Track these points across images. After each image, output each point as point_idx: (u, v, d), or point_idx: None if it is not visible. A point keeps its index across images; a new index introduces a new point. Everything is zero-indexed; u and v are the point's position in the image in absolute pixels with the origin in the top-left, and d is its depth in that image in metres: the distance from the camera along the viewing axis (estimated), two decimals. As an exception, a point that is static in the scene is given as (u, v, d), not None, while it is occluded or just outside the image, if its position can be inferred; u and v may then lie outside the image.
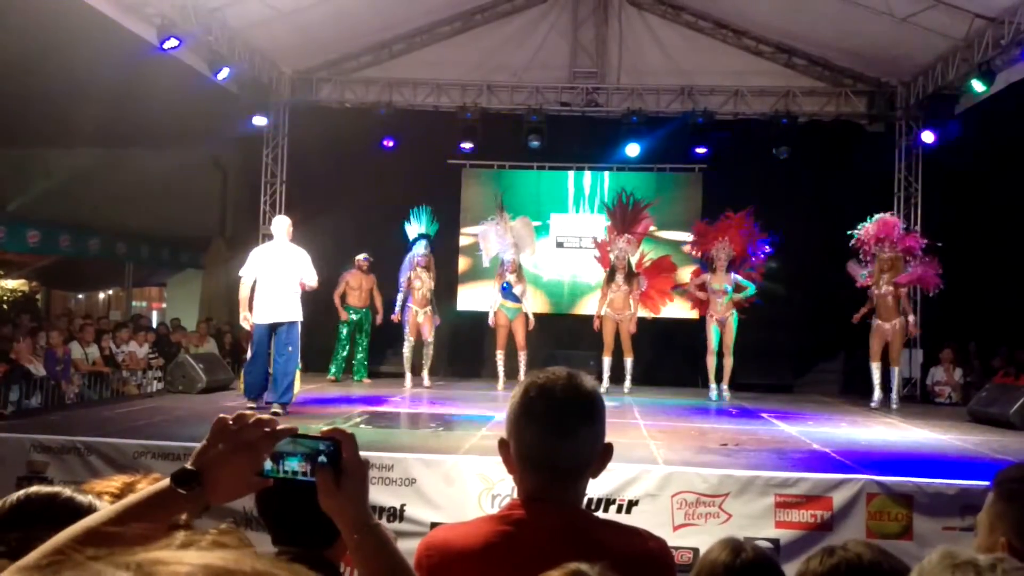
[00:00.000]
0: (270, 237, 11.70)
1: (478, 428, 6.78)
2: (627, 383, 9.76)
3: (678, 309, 10.62)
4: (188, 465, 1.11)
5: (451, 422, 7.38)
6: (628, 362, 9.82)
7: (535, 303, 10.77)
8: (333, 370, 10.55)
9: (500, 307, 9.96)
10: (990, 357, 10.94)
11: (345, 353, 10.60)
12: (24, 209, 12.41)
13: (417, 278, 9.88)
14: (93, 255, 13.31)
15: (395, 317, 9.94)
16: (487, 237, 10.18)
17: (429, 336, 9.97)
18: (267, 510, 1.80)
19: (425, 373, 10.15)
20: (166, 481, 1.09)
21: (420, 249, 9.92)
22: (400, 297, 9.93)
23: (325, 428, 1.19)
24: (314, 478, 1.16)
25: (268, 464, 1.15)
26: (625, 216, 10.11)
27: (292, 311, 7.15)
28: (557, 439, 1.52)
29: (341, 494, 1.17)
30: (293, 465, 1.16)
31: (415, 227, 10.17)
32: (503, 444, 1.59)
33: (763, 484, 5.13)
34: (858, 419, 8.42)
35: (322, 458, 1.16)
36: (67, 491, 1.35)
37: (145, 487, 1.16)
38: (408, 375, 10.07)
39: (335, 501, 1.17)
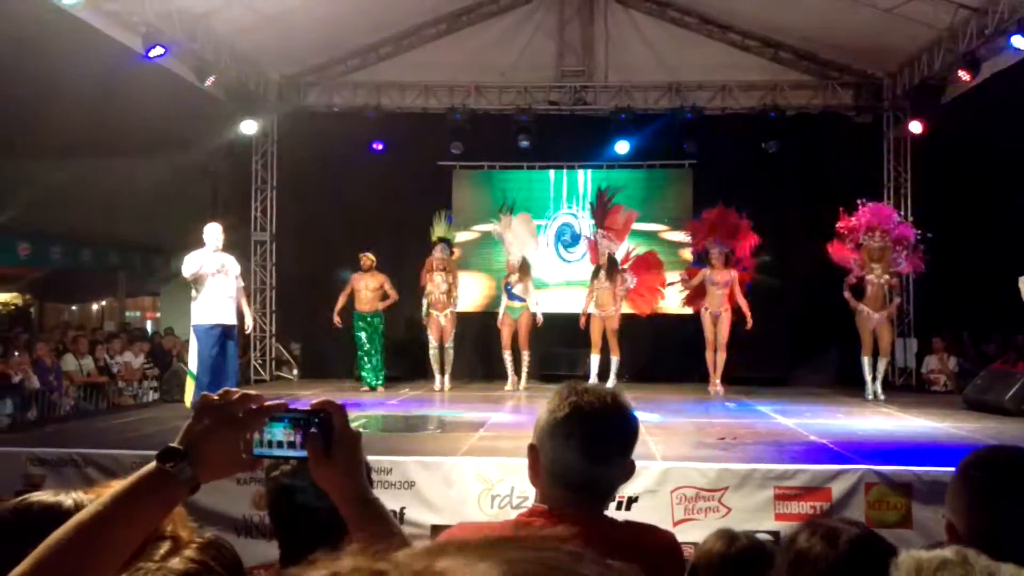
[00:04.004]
0: (261, 243, 11.86)
1: (476, 429, 6.79)
2: (612, 379, 9.63)
3: (676, 304, 10.63)
4: (173, 443, 1.09)
5: (449, 424, 7.39)
6: (614, 360, 9.78)
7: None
8: (368, 379, 9.94)
9: (504, 307, 9.99)
10: (984, 344, 10.98)
11: (370, 359, 9.95)
12: (14, 221, 12.33)
13: (430, 281, 9.87)
14: (85, 266, 13.25)
15: (425, 320, 10.08)
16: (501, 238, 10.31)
17: (447, 340, 9.94)
18: (279, 521, 1.80)
19: (446, 377, 10.08)
20: (152, 464, 1.07)
21: (436, 252, 9.92)
22: (425, 302, 9.96)
23: (315, 402, 1.18)
24: (304, 451, 1.16)
25: (257, 440, 1.14)
26: (600, 210, 10.14)
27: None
28: (595, 464, 1.51)
29: (333, 463, 1.16)
30: (282, 437, 1.16)
31: (435, 230, 10.19)
32: (532, 450, 1.56)
33: (762, 477, 5.15)
34: (854, 410, 8.46)
35: (312, 430, 1.16)
36: (68, 500, 1.28)
37: None
38: (437, 376, 10.12)
39: (327, 470, 1.16)
